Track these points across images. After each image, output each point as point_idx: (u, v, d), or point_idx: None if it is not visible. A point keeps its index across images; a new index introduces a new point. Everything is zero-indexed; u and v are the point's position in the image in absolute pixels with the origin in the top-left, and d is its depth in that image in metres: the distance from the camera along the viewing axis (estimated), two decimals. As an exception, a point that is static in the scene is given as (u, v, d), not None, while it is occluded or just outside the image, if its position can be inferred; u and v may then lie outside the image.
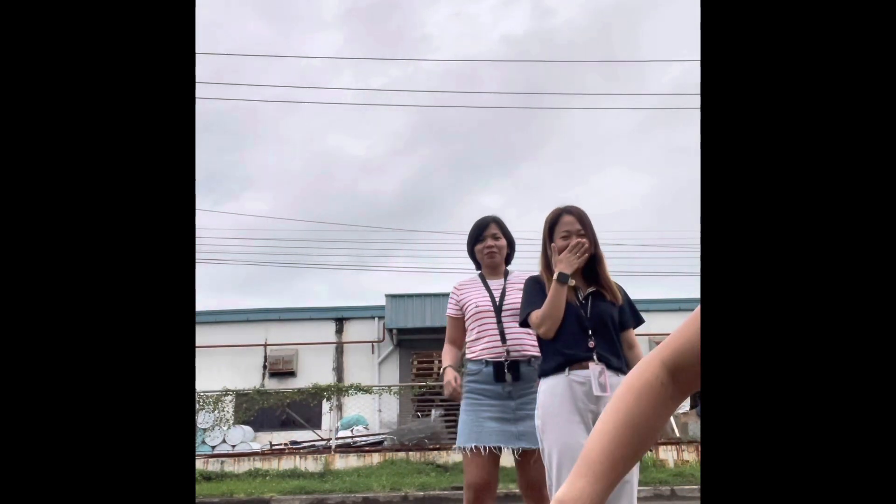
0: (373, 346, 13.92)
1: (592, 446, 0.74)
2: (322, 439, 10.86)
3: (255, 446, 10.79)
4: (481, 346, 2.73)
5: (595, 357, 2.36)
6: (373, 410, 11.92)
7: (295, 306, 14.50)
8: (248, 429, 11.10)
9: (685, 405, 9.76)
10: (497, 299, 2.78)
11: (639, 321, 2.55)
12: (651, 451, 8.23)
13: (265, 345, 13.72)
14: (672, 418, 8.98)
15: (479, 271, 2.95)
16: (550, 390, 2.37)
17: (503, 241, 2.89)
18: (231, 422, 11.00)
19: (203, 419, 10.78)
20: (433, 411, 11.06)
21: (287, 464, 9.40)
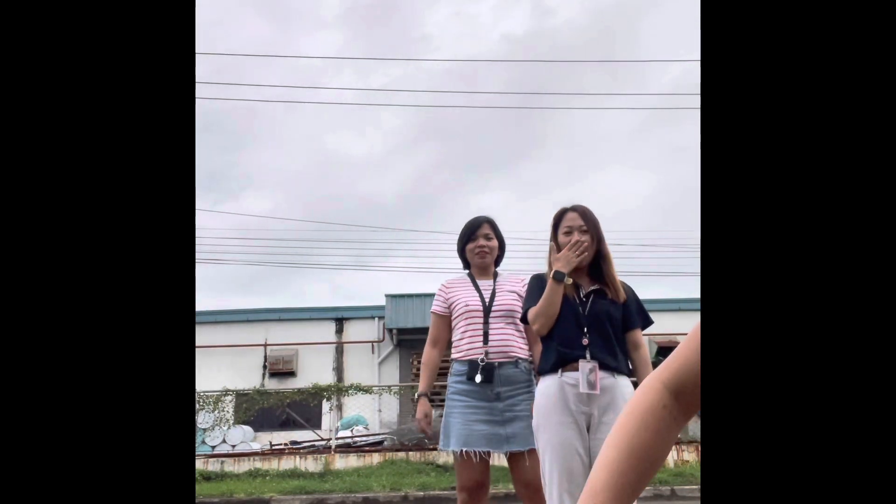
0: (373, 346, 13.92)
1: (596, 476, 0.71)
2: (322, 439, 10.85)
3: (255, 446, 10.78)
4: (468, 346, 2.72)
5: (588, 355, 2.35)
6: (373, 410, 11.92)
7: (295, 306, 14.50)
8: (248, 429, 11.10)
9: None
10: (486, 300, 2.78)
11: (647, 322, 2.51)
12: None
13: (265, 345, 13.72)
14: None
15: (467, 271, 2.94)
16: (545, 391, 2.38)
17: (495, 243, 2.88)
18: (231, 422, 11.00)
19: (203, 419, 10.77)
20: (433, 411, 11.04)
21: (287, 464, 9.40)
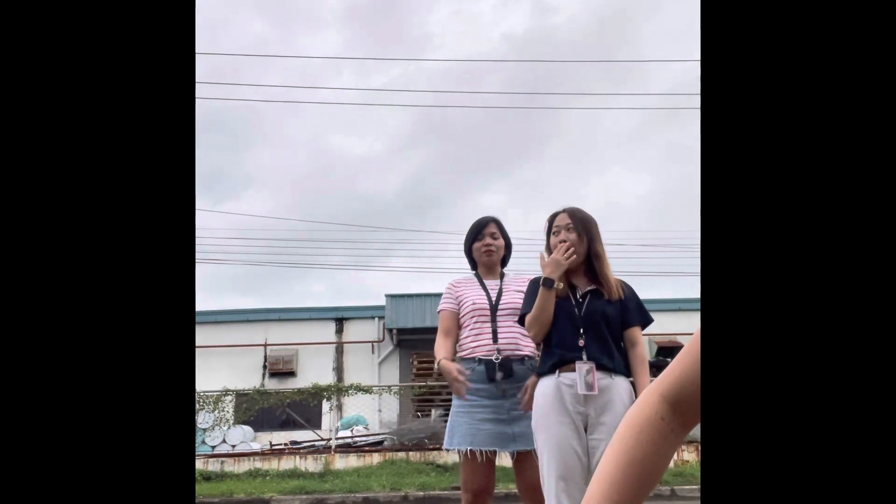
0: (373, 346, 13.92)
1: (594, 490, 0.71)
2: (322, 439, 10.85)
3: (255, 446, 10.78)
4: (475, 344, 2.73)
5: (584, 356, 2.36)
6: (373, 410, 11.91)
7: (295, 306, 14.50)
8: (248, 429, 11.10)
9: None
10: (494, 298, 2.78)
11: (647, 320, 2.50)
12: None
13: (265, 345, 13.72)
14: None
15: (474, 271, 2.95)
16: (542, 392, 2.40)
17: (501, 242, 2.89)
18: (231, 422, 11.00)
19: (203, 419, 10.77)
20: (433, 411, 11.06)
21: (287, 464, 9.40)
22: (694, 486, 7.44)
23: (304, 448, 10.30)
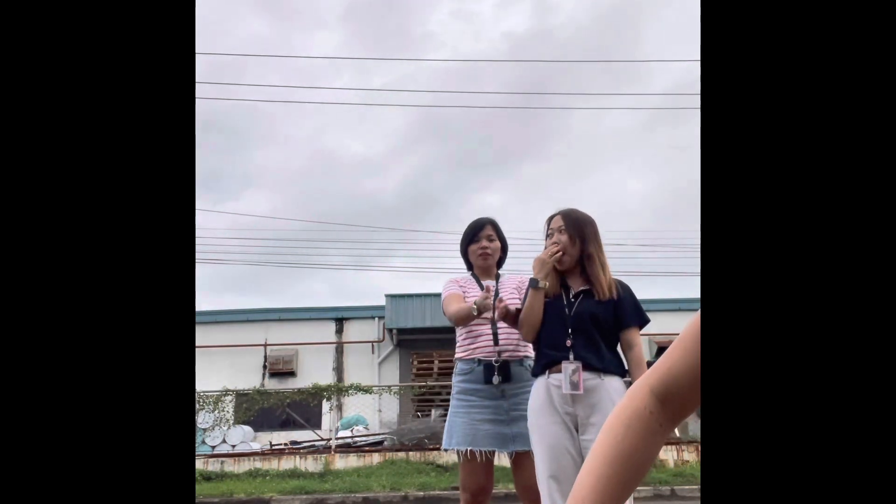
0: (373, 346, 13.92)
1: (581, 483, 0.71)
2: (322, 439, 10.86)
3: (255, 446, 10.79)
4: (473, 345, 2.73)
5: (571, 356, 2.37)
6: (373, 410, 11.92)
7: (295, 306, 14.50)
8: (248, 429, 11.10)
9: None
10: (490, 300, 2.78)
11: (643, 320, 2.50)
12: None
13: (265, 345, 13.72)
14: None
15: (470, 272, 2.95)
16: (535, 392, 2.43)
17: (497, 244, 2.90)
18: (231, 422, 11.00)
19: (203, 419, 10.78)
20: (433, 411, 11.07)
21: (287, 464, 9.40)
22: (694, 486, 7.44)
23: (304, 448, 10.31)
